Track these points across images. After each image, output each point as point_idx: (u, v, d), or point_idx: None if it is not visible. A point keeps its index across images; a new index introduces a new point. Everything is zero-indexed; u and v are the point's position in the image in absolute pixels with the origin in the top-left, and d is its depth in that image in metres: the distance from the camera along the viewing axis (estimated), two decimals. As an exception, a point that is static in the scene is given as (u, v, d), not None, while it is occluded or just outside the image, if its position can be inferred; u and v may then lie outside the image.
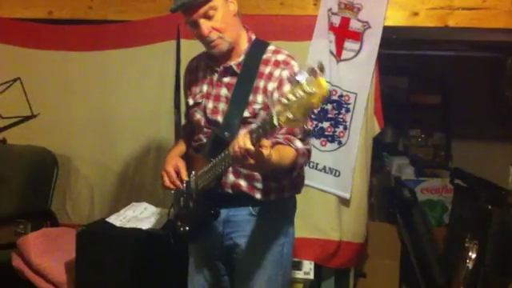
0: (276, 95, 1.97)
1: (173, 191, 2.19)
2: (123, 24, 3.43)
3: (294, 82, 1.60)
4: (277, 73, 2.02)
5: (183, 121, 2.40)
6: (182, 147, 2.29)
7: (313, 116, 3.01)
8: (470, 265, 3.06)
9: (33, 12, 3.56)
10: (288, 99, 1.59)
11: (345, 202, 3.16)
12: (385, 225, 3.84)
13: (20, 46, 3.50)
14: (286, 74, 2.01)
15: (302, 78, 1.58)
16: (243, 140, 1.74)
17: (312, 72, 1.57)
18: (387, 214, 3.99)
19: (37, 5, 3.54)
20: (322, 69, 1.56)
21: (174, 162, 2.17)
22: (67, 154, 3.42)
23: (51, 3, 3.53)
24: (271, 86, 2.01)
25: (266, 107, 2.01)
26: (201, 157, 2.08)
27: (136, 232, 2.70)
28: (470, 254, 3.08)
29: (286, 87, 1.94)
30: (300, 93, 1.56)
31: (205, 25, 1.99)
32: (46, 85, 3.42)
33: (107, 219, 2.82)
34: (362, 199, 3.18)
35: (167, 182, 2.16)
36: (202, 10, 1.97)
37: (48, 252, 2.84)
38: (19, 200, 3.17)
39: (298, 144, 1.97)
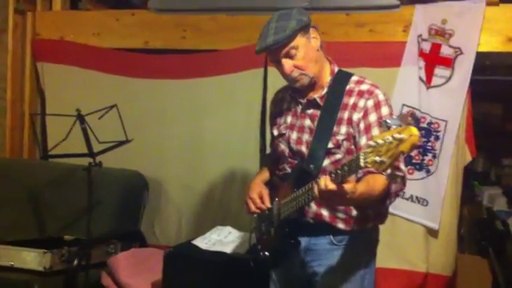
0: (364, 138, 1.98)
1: (256, 216, 2.22)
2: (213, 53, 3.54)
3: (384, 127, 1.60)
4: (361, 103, 2.02)
5: (268, 149, 2.44)
6: (265, 175, 2.32)
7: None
8: None
9: (130, 42, 3.76)
10: (377, 142, 1.59)
11: (433, 233, 3.07)
12: (476, 258, 3.66)
13: (117, 75, 3.70)
14: (371, 103, 2.01)
15: (392, 123, 1.58)
16: (324, 182, 1.75)
17: (403, 118, 1.57)
18: (478, 247, 3.81)
19: (134, 35, 3.73)
20: (413, 117, 1.56)
21: (259, 189, 2.21)
22: (158, 177, 3.55)
23: (147, 34, 3.71)
24: (356, 116, 2.01)
25: (349, 138, 2.02)
26: (285, 186, 2.10)
27: (220, 255, 2.74)
28: None
29: (375, 130, 1.96)
30: (389, 138, 1.56)
31: (287, 64, 2.02)
32: (140, 111, 3.59)
33: (193, 241, 2.88)
34: (451, 230, 3.07)
35: (252, 208, 2.20)
36: (283, 51, 2.00)
37: (136, 272, 2.92)
38: (112, 221, 3.30)
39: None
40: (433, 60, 3.08)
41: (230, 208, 3.36)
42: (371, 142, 1.61)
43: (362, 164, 1.64)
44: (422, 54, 3.08)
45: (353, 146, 2.03)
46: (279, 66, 2.05)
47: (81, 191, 3.08)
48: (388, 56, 3.15)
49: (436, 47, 3.08)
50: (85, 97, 3.61)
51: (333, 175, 1.75)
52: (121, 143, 3.08)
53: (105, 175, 3.19)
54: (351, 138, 2.02)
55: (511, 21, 3.01)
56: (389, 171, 1.92)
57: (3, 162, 3.78)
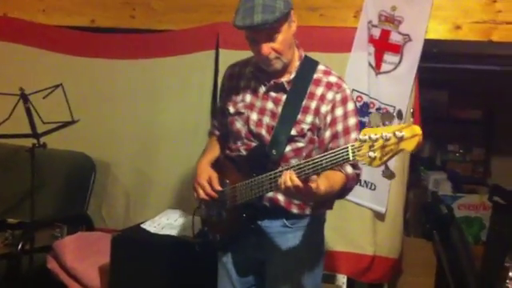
0: (329, 132, 1.98)
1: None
2: (164, 33, 3.47)
3: (379, 122, 1.58)
4: (330, 96, 2.02)
5: (213, 124, 2.39)
6: (213, 153, 2.27)
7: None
8: (509, 285, 2.97)
9: (76, 20, 3.65)
10: (369, 137, 1.57)
11: (380, 217, 3.12)
12: (421, 241, 3.76)
13: (63, 53, 3.58)
14: (339, 97, 2.02)
15: (390, 119, 1.58)
16: (290, 177, 1.75)
17: (399, 115, 1.57)
18: (423, 230, 3.92)
19: (81, 13, 3.63)
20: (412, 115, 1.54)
21: (207, 174, 2.16)
22: (106, 160, 3.47)
23: (94, 12, 3.61)
24: (324, 108, 2.02)
25: (313, 128, 2.03)
26: (238, 168, 2.09)
27: (168, 239, 2.72)
28: (510, 273, 2.99)
29: (339, 125, 1.97)
30: (387, 134, 1.54)
31: (266, 46, 1.96)
32: (87, 92, 3.49)
33: (142, 225, 2.85)
34: (397, 214, 3.14)
35: (202, 195, 2.15)
36: (266, 32, 1.94)
37: (83, 256, 2.88)
38: (57, 204, 3.22)
39: (348, 169, 1.98)
40: (382, 46, 3.12)
41: (181, 191, 3.32)
42: (362, 136, 1.60)
43: (350, 157, 1.64)
44: (371, 40, 3.11)
45: (315, 137, 2.04)
46: (255, 45, 1.98)
47: (24, 173, 3.00)
48: (339, 41, 3.16)
49: (385, 33, 3.11)
50: (29, 75, 3.50)
51: (298, 171, 1.74)
52: (66, 124, 3.01)
53: (49, 157, 3.12)
54: (315, 128, 2.03)
55: (459, 9, 3.07)
56: (349, 170, 1.95)
57: None
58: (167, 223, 2.88)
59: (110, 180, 3.48)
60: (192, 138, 3.34)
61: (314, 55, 2.17)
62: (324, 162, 1.75)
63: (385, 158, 1.57)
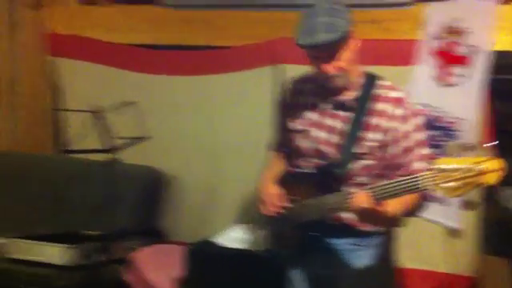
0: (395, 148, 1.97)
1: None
2: (224, 50, 3.55)
3: (457, 152, 1.58)
4: (394, 111, 2.02)
5: (275, 139, 2.40)
6: (277, 168, 2.28)
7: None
8: None
9: (141, 38, 3.75)
10: (443, 168, 1.57)
11: (453, 233, 3.07)
12: (498, 259, 3.63)
13: (132, 71, 3.71)
14: (404, 112, 2.02)
15: (469, 149, 1.57)
16: (364, 199, 1.76)
17: (476, 147, 1.56)
18: (499, 248, 3.80)
19: (145, 31, 3.73)
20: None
21: (273, 190, 2.18)
22: (175, 174, 3.58)
23: (158, 30, 3.71)
24: (390, 124, 2.01)
25: (381, 145, 2.03)
26: (302, 185, 2.10)
27: (239, 252, 2.78)
28: None
29: (404, 142, 1.95)
30: (467, 166, 1.51)
31: (328, 64, 1.97)
32: (156, 108, 3.60)
33: (212, 239, 2.93)
34: (471, 230, 3.07)
35: (268, 210, 2.18)
36: (330, 51, 1.94)
37: (158, 267, 2.98)
38: (131, 217, 3.34)
39: None
40: (447, 58, 3.09)
41: (247, 206, 3.39)
42: (435, 166, 1.60)
43: (422, 186, 1.64)
44: (435, 52, 3.09)
45: (384, 154, 2.03)
46: (317, 63, 1.99)
47: (99, 187, 3.14)
48: (401, 54, 3.15)
49: (450, 45, 3.09)
50: (103, 93, 3.64)
51: (373, 192, 1.76)
52: (138, 139, 3.12)
53: (123, 171, 3.22)
54: (383, 145, 2.02)
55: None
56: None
57: (23, 158, 3.82)
58: (236, 237, 2.95)
59: (181, 194, 3.58)
60: (254, 153, 3.37)
61: (376, 69, 2.18)
62: (396, 187, 1.75)
63: (462, 191, 1.55)
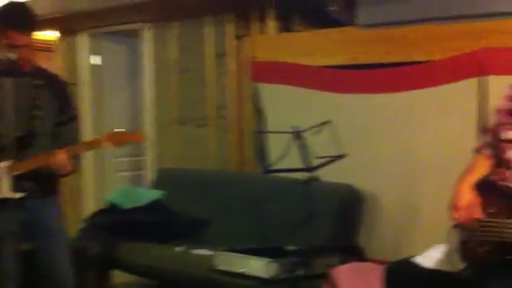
0: None
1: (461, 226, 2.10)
2: (423, 64, 3.48)
3: None
4: None
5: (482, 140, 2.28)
6: (478, 174, 2.16)
7: None
8: None
9: (339, 59, 3.85)
10: None
11: None
12: None
13: (329, 91, 3.82)
14: None
15: None
16: None
17: None
18: None
19: (342, 52, 3.83)
20: None
21: (468, 197, 2.07)
22: (373, 191, 3.59)
23: (355, 50, 3.77)
24: None
25: None
26: (504, 199, 1.97)
27: (439, 274, 2.68)
28: None
29: None
30: None
31: None
32: (353, 126, 3.65)
33: (413, 259, 2.87)
34: None
35: (458, 219, 2.07)
36: None
37: (356, 285, 2.99)
38: (329, 234, 3.42)
39: None
40: None
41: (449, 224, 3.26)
42: None
43: None
44: None
45: None
46: None
47: (299, 204, 3.27)
48: None
49: None
50: (301, 114, 3.80)
51: None
52: (336, 158, 3.19)
53: (322, 189, 3.32)
54: None
55: None
56: None
57: (229, 175, 4.19)
58: (437, 257, 2.84)
59: (379, 211, 3.58)
60: (456, 169, 3.23)
61: None
62: None
63: None
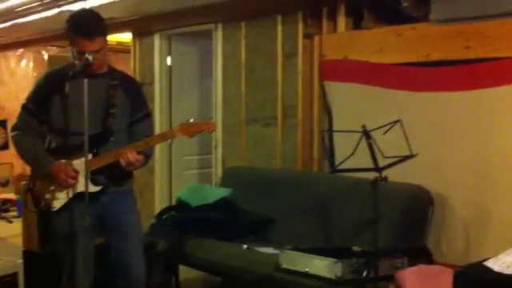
0: None
1: None
2: (503, 61, 3.33)
3: None
4: None
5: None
6: None
7: None
8: None
9: (411, 56, 3.75)
10: None
11: None
12: None
13: (400, 89, 3.73)
14: None
15: None
16: None
17: None
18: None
19: (415, 49, 3.72)
20: None
21: None
22: (443, 192, 3.47)
23: (428, 47, 3.66)
24: None
25: None
26: None
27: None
28: None
29: None
30: None
31: None
32: (423, 125, 3.55)
33: (485, 263, 2.74)
34: None
35: None
36: None
37: (424, 288, 2.91)
38: (397, 235, 3.33)
39: None
40: None
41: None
42: None
43: None
44: None
45: None
46: None
47: (366, 204, 3.19)
48: None
49: None
50: (369, 112, 3.74)
51: None
52: (405, 158, 3.11)
53: (390, 189, 3.24)
54: None
55: None
56: None
57: (296, 175, 4.16)
58: (510, 262, 2.71)
59: (448, 213, 3.45)
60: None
61: None
62: None
63: None
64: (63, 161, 2.86)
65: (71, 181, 2.83)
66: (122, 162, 2.81)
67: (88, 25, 2.79)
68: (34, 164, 2.98)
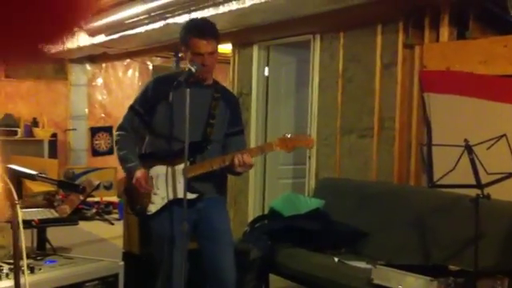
0: None
1: None
2: None
3: None
4: None
5: None
6: None
7: None
8: None
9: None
10: None
11: None
12: None
13: (505, 103, 3.55)
14: None
15: None
16: None
17: None
18: None
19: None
20: None
21: None
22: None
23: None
24: None
25: None
26: None
27: None
28: None
29: None
30: None
31: None
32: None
33: None
34: None
35: None
36: None
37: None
38: (496, 256, 3.16)
39: None
40: None
41: None
42: None
43: None
44: None
45: None
46: None
47: (466, 222, 3.05)
48: None
49: None
50: (472, 126, 3.58)
51: None
52: (510, 175, 2.94)
53: (492, 207, 3.08)
54: None
55: None
56: None
57: (392, 188, 4.05)
58: None
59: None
60: None
61: None
62: None
63: None
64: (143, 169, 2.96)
65: (146, 190, 2.94)
66: (236, 161, 2.87)
67: (205, 26, 2.95)
68: (123, 164, 3.08)
